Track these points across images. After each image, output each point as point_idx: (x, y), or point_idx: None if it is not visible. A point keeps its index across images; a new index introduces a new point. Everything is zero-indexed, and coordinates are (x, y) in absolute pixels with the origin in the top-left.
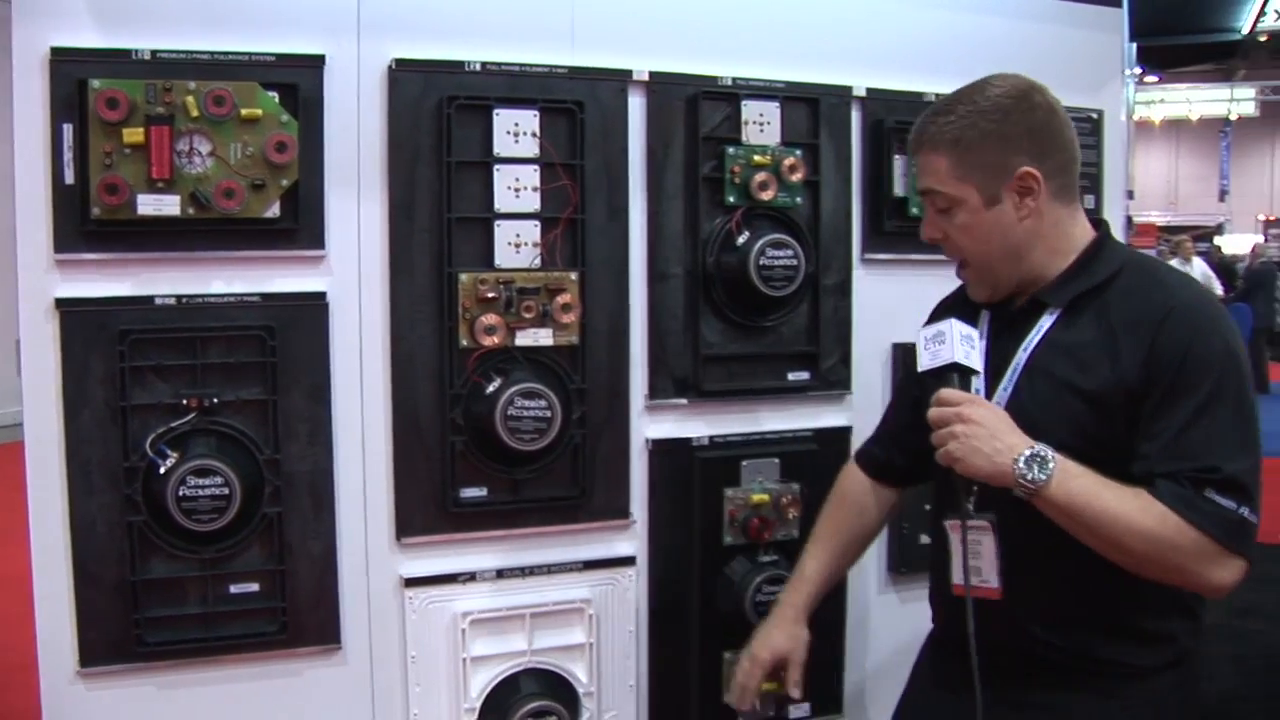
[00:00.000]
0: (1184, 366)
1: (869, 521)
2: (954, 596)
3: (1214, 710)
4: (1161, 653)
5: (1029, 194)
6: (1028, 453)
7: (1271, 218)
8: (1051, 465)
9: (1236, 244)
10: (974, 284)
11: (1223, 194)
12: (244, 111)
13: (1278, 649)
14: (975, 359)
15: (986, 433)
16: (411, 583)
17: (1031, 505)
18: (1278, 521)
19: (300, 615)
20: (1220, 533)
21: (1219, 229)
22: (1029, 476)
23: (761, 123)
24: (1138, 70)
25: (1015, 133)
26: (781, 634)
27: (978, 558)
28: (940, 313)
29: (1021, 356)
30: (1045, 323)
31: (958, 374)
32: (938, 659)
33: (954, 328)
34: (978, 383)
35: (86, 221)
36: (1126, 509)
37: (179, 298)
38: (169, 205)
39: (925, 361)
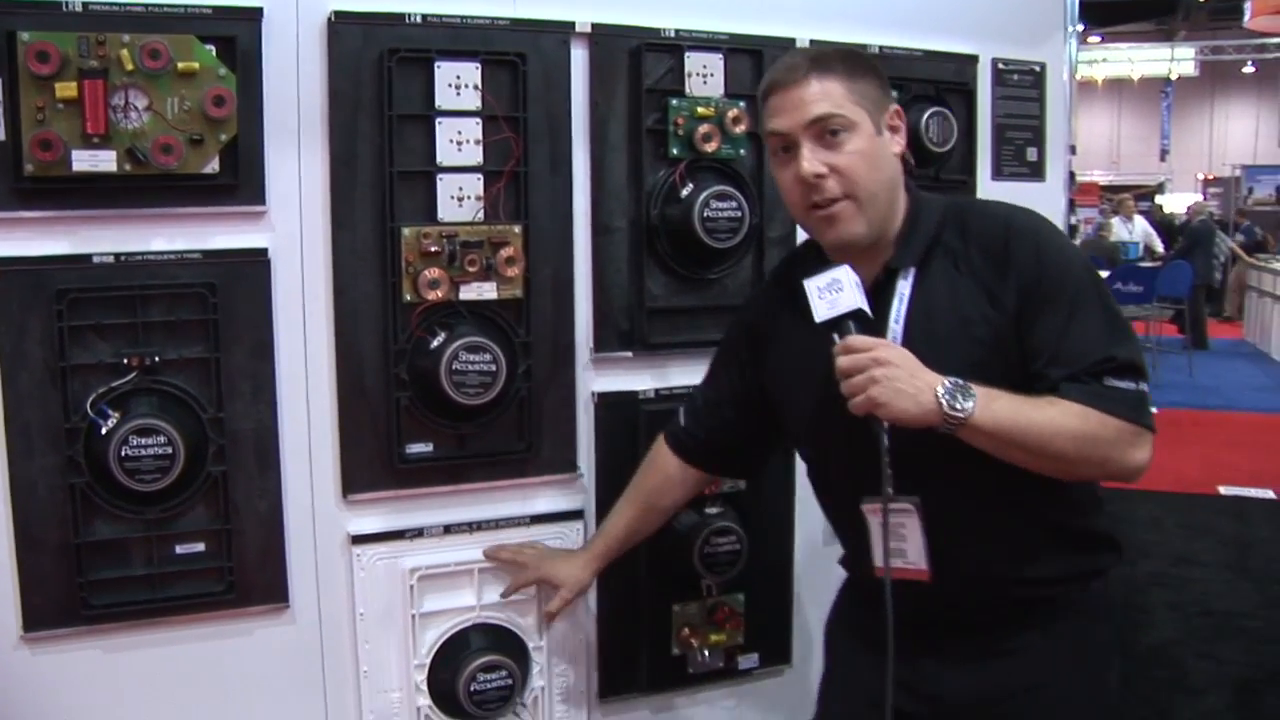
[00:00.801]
0: (1043, 278)
1: (675, 495)
2: (877, 578)
3: (1151, 656)
4: (1092, 584)
5: (896, 132)
6: (949, 384)
7: (1211, 176)
8: (973, 391)
9: (1177, 203)
10: (851, 220)
11: (1164, 153)
12: (180, 65)
13: (1214, 596)
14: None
15: (905, 373)
16: (359, 540)
17: (952, 477)
18: (1212, 471)
19: (247, 574)
20: (1131, 413)
21: (1160, 188)
22: (957, 407)
23: (705, 75)
24: (1080, 26)
25: (882, 75)
26: (568, 566)
27: (901, 540)
28: (774, 300)
29: (895, 329)
30: (904, 289)
31: (857, 322)
32: (868, 623)
33: (848, 274)
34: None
35: (20, 179)
36: (1049, 415)
37: (118, 256)
38: (105, 161)
39: (823, 311)
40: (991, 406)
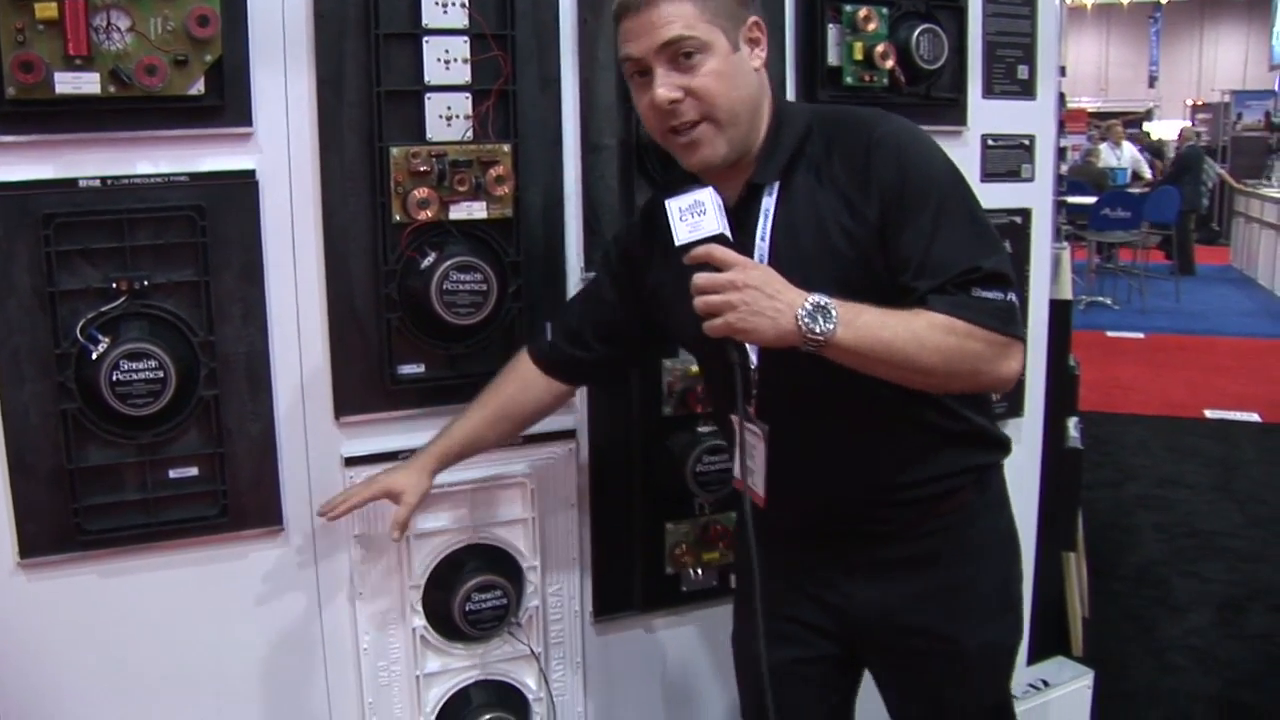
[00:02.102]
0: (905, 189)
1: (532, 405)
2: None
3: (1137, 575)
4: (983, 481)
5: (757, 45)
6: (809, 305)
7: (1199, 102)
8: (834, 312)
9: (1165, 129)
10: (711, 142)
11: (1152, 80)
12: None
13: (1198, 517)
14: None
15: (764, 295)
16: (352, 461)
17: (824, 390)
18: (1198, 395)
19: (241, 498)
20: (999, 323)
21: (1148, 114)
22: (817, 329)
23: None
24: None
25: None
26: (404, 474)
27: (753, 459)
28: (651, 220)
29: (762, 246)
30: (767, 205)
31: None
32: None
33: (712, 196)
34: None
35: (1, 102)
36: (914, 329)
37: (104, 179)
38: (88, 83)
39: (684, 234)
40: (854, 324)
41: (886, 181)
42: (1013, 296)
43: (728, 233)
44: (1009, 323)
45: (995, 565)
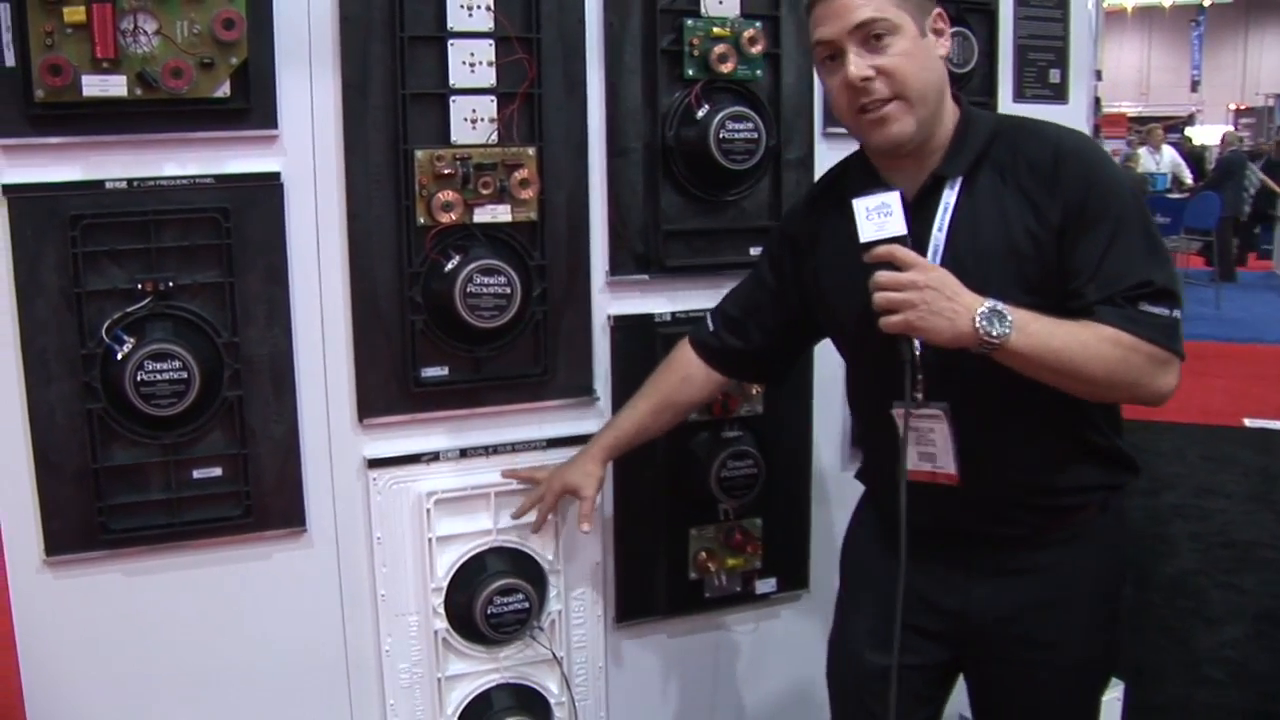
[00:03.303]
0: (1089, 199)
1: (693, 394)
2: (909, 483)
3: (1172, 586)
4: (1110, 503)
5: (941, 35)
6: (985, 309)
7: (1243, 106)
8: (1009, 317)
9: (1207, 135)
10: (901, 119)
11: (1194, 84)
12: None
13: (1235, 527)
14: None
15: (943, 296)
16: (375, 464)
17: (982, 388)
18: (1237, 403)
19: (264, 499)
20: (1164, 338)
21: (1190, 119)
22: (993, 333)
23: None
24: None
25: None
26: (577, 470)
27: (930, 445)
28: (819, 208)
29: (939, 238)
30: (948, 199)
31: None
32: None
33: (898, 200)
34: None
35: (30, 105)
36: (1083, 340)
37: (130, 181)
38: (115, 86)
39: (869, 232)
40: (1027, 330)
41: (1072, 190)
42: (1178, 314)
43: (908, 237)
44: (1173, 339)
45: (1108, 583)
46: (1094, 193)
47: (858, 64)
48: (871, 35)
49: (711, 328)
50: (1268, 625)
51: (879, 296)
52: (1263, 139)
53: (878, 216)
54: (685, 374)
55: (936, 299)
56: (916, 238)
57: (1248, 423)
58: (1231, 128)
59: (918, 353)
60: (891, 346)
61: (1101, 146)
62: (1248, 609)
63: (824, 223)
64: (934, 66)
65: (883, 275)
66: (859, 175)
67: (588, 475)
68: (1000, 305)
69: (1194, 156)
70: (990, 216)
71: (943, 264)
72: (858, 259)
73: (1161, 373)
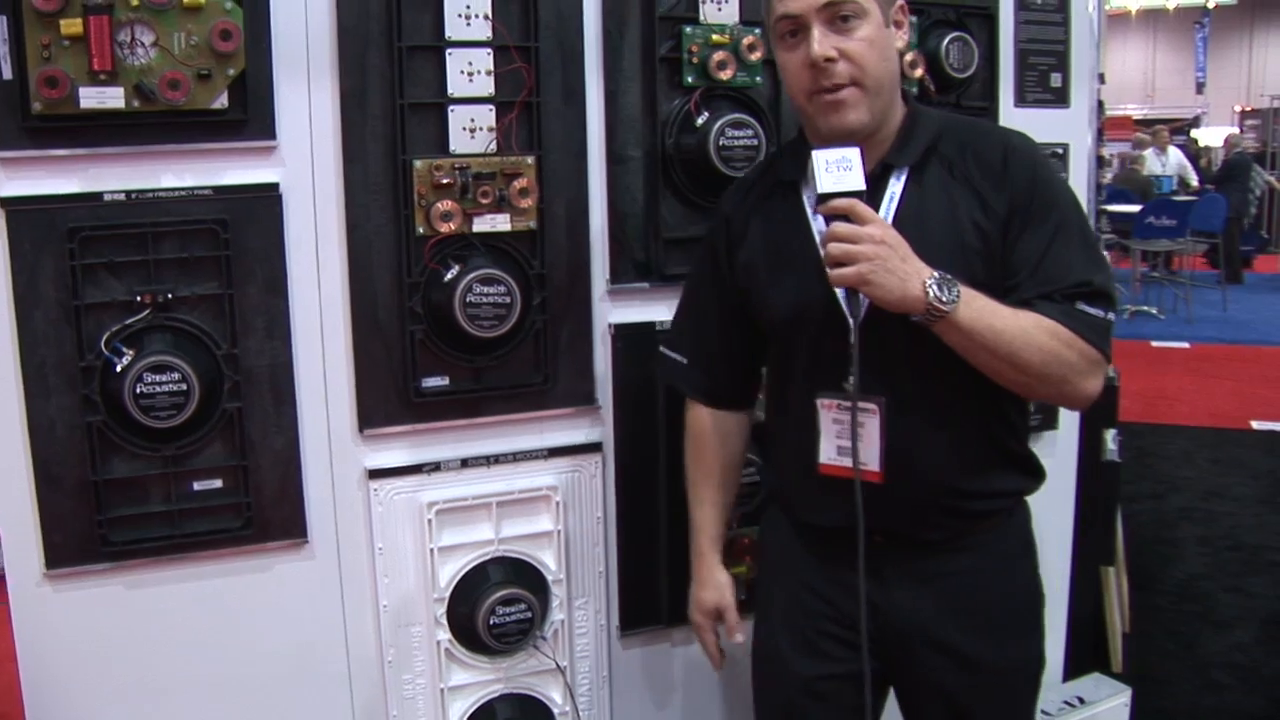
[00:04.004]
0: (1034, 197)
1: (738, 444)
2: (821, 477)
3: (1180, 589)
4: (1016, 509)
5: (900, 27)
6: (936, 275)
7: (1248, 108)
8: (957, 287)
9: (1213, 136)
10: (856, 106)
11: (1200, 86)
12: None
13: (1242, 530)
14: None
15: (897, 256)
16: (376, 474)
17: (911, 381)
18: (1244, 406)
19: (265, 510)
20: (1098, 339)
21: (1195, 121)
22: (943, 298)
23: (720, 1)
24: None
25: None
26: (708, 591)
27: (851, 439)
28: (751, 197)
29: None
30: (894, 189)
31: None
32: (809, 545)
33: (858, 156)
34: None
35: (28, 117)
36: (1022, 324)
37: (128, 193)
38: (112, 98)
39: (828, 184)
40: (972, 304)
41: (1020, 186)
42: (1112, 316)
43: (866, 193)
44: (1105, 341)
45: (1025, 586)
46: (1039, 191)
47: (822, 43)
48: (839, 16)
49: (693, 378)
50: (1277, 629)
51: (834, 247)
52: (1270, 141)
53: (837, 170)
54: (721, 434)
55: (891, 256)
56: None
57: (1255, 425)
58: (1237, 130)
59: (862, 312)
60: (825, 328)
61: (1036, 143)
62: (1257, 612)
63: (757, 209)
64: (893, 57)
65: (840, 227)
66: (796, 160)
67: (720, 588)
68: (949, 276)
69: (1199, 158)
70: (938, 209)
71: None
72: (795, 234)
73: (1091, 373)
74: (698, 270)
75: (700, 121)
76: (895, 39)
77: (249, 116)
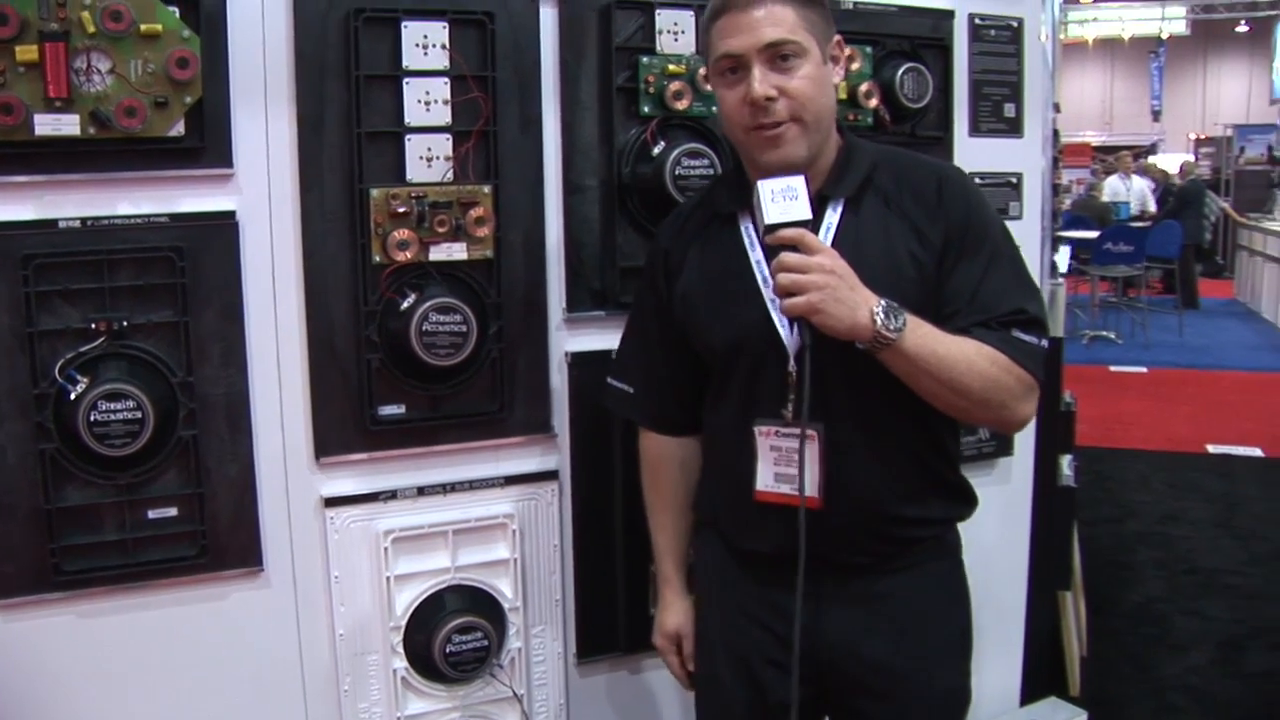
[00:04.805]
0: (969, 226)
1: (690, 473)
2: (756, 504)
3: (1137, 613)
4: (949, 533)
5: (837, 63)
6: (884, 303)
7: (1203, 136)
8: (903, 316)
9: (1170, 163)
10: (795, 142)
11: (1156, 114)
12: (143, 27)
13: (1199, 553)
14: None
15: (846, 285)
16: (332, 502)
17: (851, 408)
18: (1200, 430)
19: (220, 538)
20: (1033, 364)
21: (1153, 148)
22: (891, 327)
23: (676, 32)
24: None
25: (826, 5)
26: (669, 615)
27: (791, 465)
28: (689, 227)
29: None
30: (831, 219)
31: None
32: (744, 569)
33: (803, 185)
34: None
35: None
36: (965, 351)
37: (84, 220)
38: (68, 125)
39: (775, 215)
40: (918, 331)
41: (954, 216)
42: (1045, 343)
43: (813, 221)
44: (1040, 366)
45: (956, 612)
46: (973, 221)
47: (763, 83)
48: (779, 56)
49: (645, 404)
50: (1232, 651)
51: (784, 278)
52: (1224, 169)
53: (782, 200)
54: (677, 462)
55: (840, 286)
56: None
57: (1210, 449)
58: (1192, 157)
59: (805, 343)
60: (765, 356)
61: (966, 175)
62: (1212, 635)
63: (694, 241)
64: (830, 93)
65: (789, 257)
66: (734, 191)
67: (681, 613)
68: (895, 304)
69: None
70: (874, 239)
71: None
72: (735, 262)
73: (1027, 398)
74: (639, 301)
75: (656, 151)
76: (832, 74)
77: (206, 144)
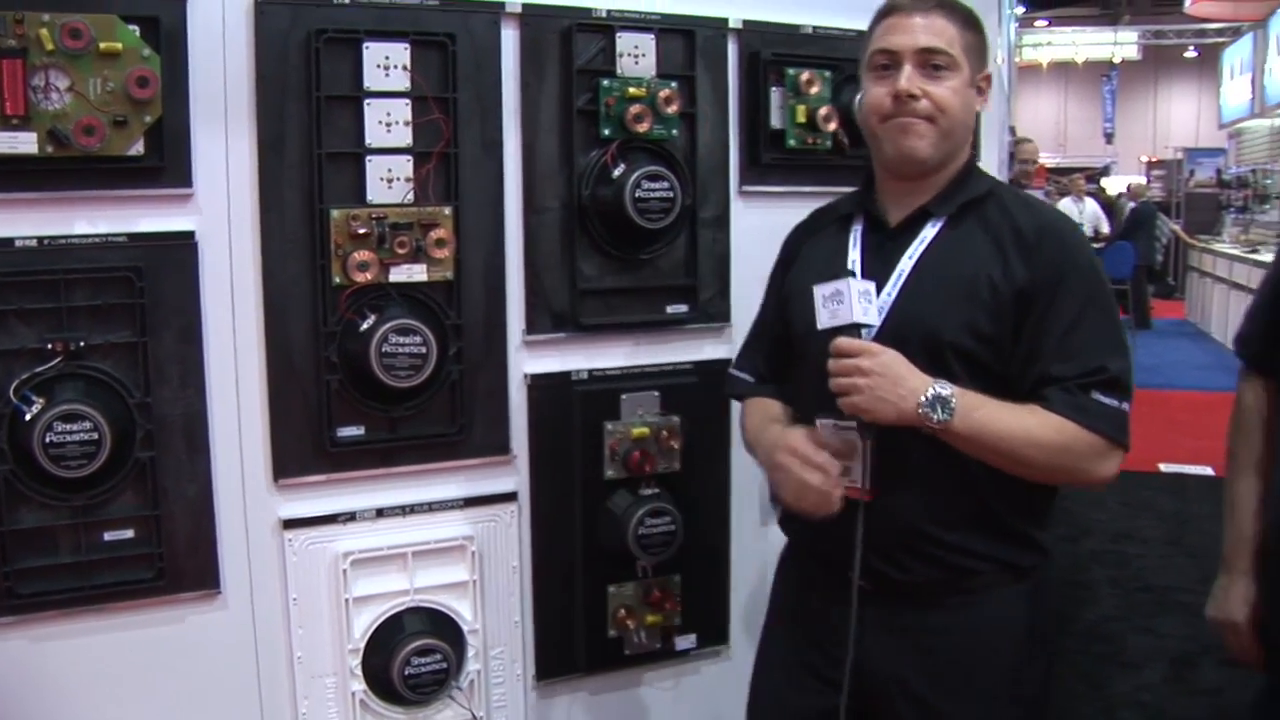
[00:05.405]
0: (1064, 277)
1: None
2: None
3: (1091, 631)
4: (1018, 579)
5: (982, 94)
6: (930, 394)
7: (1154, 159)
8: (953, 403)
9: (1121, 185)
10: (925, 137)
11: (1109, 137)
12: (103, 45)
13: (1152, 571)
14: (872, 313)
15: (888, 381)
16: (290, 524)
17: (912, 440)
18: (1152, 449)
19: (178, 561)
20: (1111, 429)
21: (1106, 170)
22: (935, 417)
23: (636, 55)
24: (1020, 9)
25: (986, 40)
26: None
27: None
28: (814, 225)
29: (906, 264)
30: (928, 233)
31: (856, 331)
32: (806, 573)
33: (851, 287)
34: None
35: None
36: (1026, 426)
37: (41, 239)
38: (25, 143)
39: (824, 320)
40: (970, 416)
41: (1049, 263)
42: (1127, 406)
43: (865, 319)
44: (1120, 431)
45: (1008, 661)
46: (1069, 272)
47: (911, 79)
48: (931, 63)
49: (753, 380)
50: (1184, 668)
51: (833, 382)
52: (1176, 191)
53: (832, 304)
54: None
55: (882, 384)
56: (888, 261)
57: (1162, 468)
58: (1144, 179)
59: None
60: (826, 355)
61: (1079, 228)
62: (1165, 652)
63: (810, 238)
64: (969, 113)
65: (835, 363)
66: (856, 195)
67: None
68: (945, 390)
69: (1112, 206)
70: (961, 256)
71: (901, 289)
72: (827, 268)
73: (1103, 461)
74: (765, 296)
75: (617, 173)
76: (975, 101)
77: (165, 164)
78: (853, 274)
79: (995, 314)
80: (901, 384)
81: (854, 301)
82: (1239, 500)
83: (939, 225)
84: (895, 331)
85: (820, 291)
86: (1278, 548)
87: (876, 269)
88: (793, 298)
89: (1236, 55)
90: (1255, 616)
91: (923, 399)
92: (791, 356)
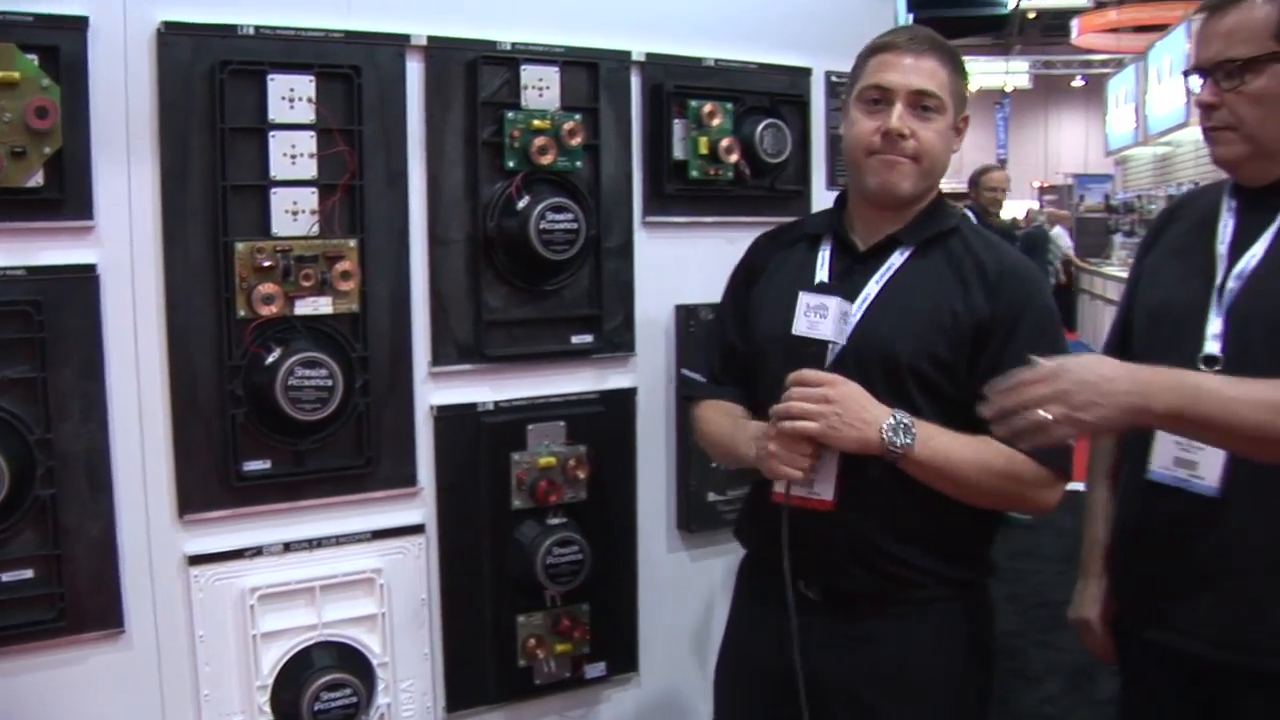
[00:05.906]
0: (1021, 315)
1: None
2: (775, 507)
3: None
4: (963, 592)
5: (959, 135)
6: (891, 421)
7: (1046, 184)
8: (914, 430)
9: (1017, 209)
10: (907, 176)
11: (1002, 163)
12: (0, 75)
13: (1050, 587)
14: (843, 336)
15: (852, 409)
16: (196, 560)
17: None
18: None
19: (80, 600)
20: (1058, 461)
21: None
22: (897, 443)
23: (541, 87)
24: None
25: (968, 83)
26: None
27: (813, 470)
28: (784, 239)
29: (873, 288)
30: (895, 261)
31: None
32: (755, 580)
33: (838, 306)
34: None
35: None
36: (980, 456)
37: None
38: None
39: (801, 328)
40: (930, 443)
41: (1007, 302)
42: (1072, 440)
43: (838, 340)
44: (1066, 462)
45: (951, 666)
46: (1029, 311)
47: (902, 118)
48: (922, 104)
49: (707, 381)
50: (1082, 680)
51: (794, 406)
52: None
53: (814, 315)
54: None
55: (843, 411)
56: (855, 284)
57: None
58: (1037, 204)
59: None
60: (785, 369)
61: (1039, 271)
62: (1064, 665)
63: (780, 252)
64: (948, 155)
65: (795, 390)
66: (827, 217)
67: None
68: (907, 419)
69: (1004, 232)
70: (925, 284)
71: (865, 312)
72: (789, 285)
73: (1048, 490)
74: (720, 305)
75: (521, 205)
76: (954, 141)
77: (65, 195)
78: (840, 294)
79: (954, 342)
80: (865, 412)
81: (834, 320)
82: (1093, 507)
83: (906, 254)
84: (857, 352)
85: (806, 300)
86: (1121, 545)
87: (844, 290)
88: (762, 308)
89: (1121, 85)
90: (1106, 614)
91: (885, 425)
92: (746, 363)
